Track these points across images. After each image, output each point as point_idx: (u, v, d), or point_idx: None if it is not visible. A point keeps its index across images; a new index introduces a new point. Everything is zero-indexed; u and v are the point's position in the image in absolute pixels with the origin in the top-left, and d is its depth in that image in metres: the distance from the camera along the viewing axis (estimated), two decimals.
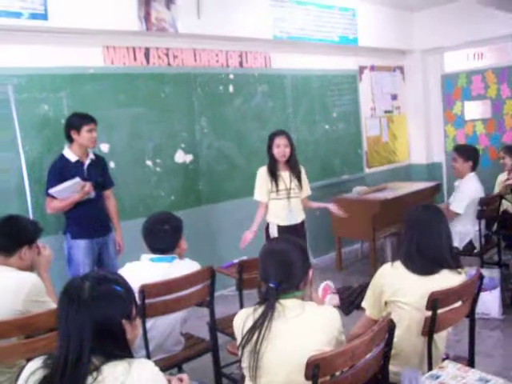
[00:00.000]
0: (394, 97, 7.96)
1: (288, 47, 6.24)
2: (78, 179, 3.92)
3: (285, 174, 4.45)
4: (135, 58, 4.95)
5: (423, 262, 2.50)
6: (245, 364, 2.00)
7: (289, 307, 2.00)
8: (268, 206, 4.49)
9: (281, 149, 4.37)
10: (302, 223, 4.57)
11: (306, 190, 4.63)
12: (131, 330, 1.64)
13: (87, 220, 4.09)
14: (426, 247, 2.52)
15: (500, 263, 4.80)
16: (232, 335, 3.21)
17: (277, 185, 4.42)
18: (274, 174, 4.43)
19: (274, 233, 4.48)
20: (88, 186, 3.98)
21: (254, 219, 4.51)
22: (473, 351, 2.74)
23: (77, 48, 4.57)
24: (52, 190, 3.92)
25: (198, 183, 5.44)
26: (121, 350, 1.56)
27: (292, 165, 4.47)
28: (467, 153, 4.89)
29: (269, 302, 2.00)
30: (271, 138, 4.45)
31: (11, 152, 4.18)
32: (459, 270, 2.56)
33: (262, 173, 4.49)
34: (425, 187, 6.74)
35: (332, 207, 4.73)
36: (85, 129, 3.99)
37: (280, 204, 4.45)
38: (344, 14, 6.70)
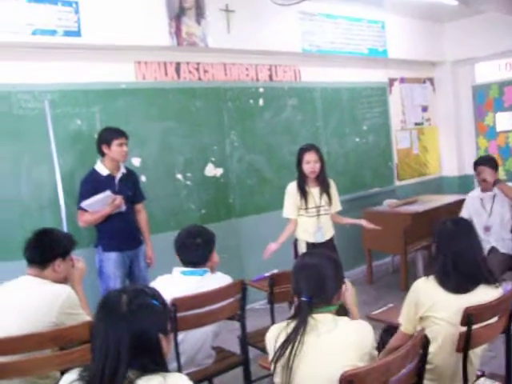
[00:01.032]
0: (425, 109, 7.90)
1: (317, 60, 6.26)
2: (108, 192, 3.98)
3: (314, 191, 4.34)
4: (166, 73, 5.02)
5: (460, 278, 2.45)
6: (277, 379, 1.99)
7: (321, 322, 1.99)
8: (297, 222, 4.41)
9: (311, 165, 4.25)
10: (331, 239, 4.47)
11: (336, 205, 4.48)
12: (166, 344, 1.64)
13: (118, 233, 4.13)
14: (462, 263, 2.47)
15: None
16: (263, 349, 3.20)
17: (306, 202, 4.31)
18: (303, 191, 4.31)
19: (302, 249, 4.38)
20: (119, 199, 4.03)
21: (282, 232, 4.44)
22: (509, 368, 2.68)
23: (109, 64, 4.65)
24: (83, 204, 3.97)
25: (228, 196, 5.47)
26: (156, 364, 1.56)
27: (322, 180, 4.35)
28: (495, 163, 4.81)
29: (301, 316, 1.99)
30: (301, 153, 4.32)
31: (46, 166, 4.26)
32: (497, 284, 2.51)
33: (291, 189, 4.37)
34: (456, 200, 6.62)
35: (364, 223, 4.58)
36: (115, 143, 4.05)
37: (309, 221, 4.34)
38: (373, 26, 6.69)
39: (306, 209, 4.33)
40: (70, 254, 2.85)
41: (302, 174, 4.33)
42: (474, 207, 4.92)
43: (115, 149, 4.05)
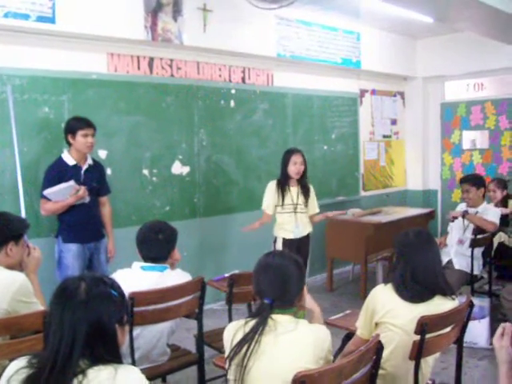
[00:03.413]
0: (394, 122, 8.01)
1: (291, 66, 6.29)
2: (72, 182, 3.92)
3: (293, 189, 4.61)
4: (139, 67, 4.98)
5: (418, 288, 2.49)
6: (231, 376, 1.99)
7: (281, 323, 1.98)
8: (274, 218, 4.66)
9: (297, 166, 4.55)
10: (308, 236, 4.72)
11: (314, 208, 4.79)
12: (121, 335, 1.62)
13: (80, 224, 4.07)
14: (421, 273, 2.50)
15: (490, 293, 4.79)
16: (218, 349, 3.19)
17: (283, 199, 4.57)
18: (282, 188, 4.58)
19: (279, 246, 4.62)
20: (82, 190, 3.97)
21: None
22: (459, 379, 2.73)
23: (81, 53, 4.59)
24: (46, 192, 3.91)
25: (193, 195, 5.44)
26: (110, 354, 1.54)
27: (303, 182, 4.65)
28: (478, 181, 4.96)
29: (261, 316, 1.99)
30: (288, 154, 4.60)
31: (7, 151, 4.15)
32: (453, 296, 2.56)
33: (271, 186, 4.65)
34: (419, 213, 6.75)
35: (329, 214, 4.98)
36: (80, 133, 3.98)
37: (286, 218, 4.60)
38: (348, 36, 6.76)
39: (283, 205, 4.58)
40: (24, 238, 2.78)
41: (285, 174, 4.59)
42: (458, 219, 5.01)
43: (80, 139, 3.99)
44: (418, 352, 2.37)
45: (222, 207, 5.69)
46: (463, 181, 5.06)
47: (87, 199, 4.06)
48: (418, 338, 2.37)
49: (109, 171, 4.71)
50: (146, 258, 2.97)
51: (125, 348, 2.66)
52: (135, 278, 2.89)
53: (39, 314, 2.41)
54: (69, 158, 4.04)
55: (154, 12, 4.81)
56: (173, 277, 2.97)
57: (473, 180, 4.99)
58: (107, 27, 4.52)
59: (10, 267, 2.65)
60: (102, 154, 4.71)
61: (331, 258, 6.26)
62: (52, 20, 4.19)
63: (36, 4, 4.09)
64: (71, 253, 4.04)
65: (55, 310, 1.55)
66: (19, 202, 4.07)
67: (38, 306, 2.58)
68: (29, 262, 2.85)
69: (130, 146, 4.94)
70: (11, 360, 2.24)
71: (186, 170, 5.36)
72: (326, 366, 1.93)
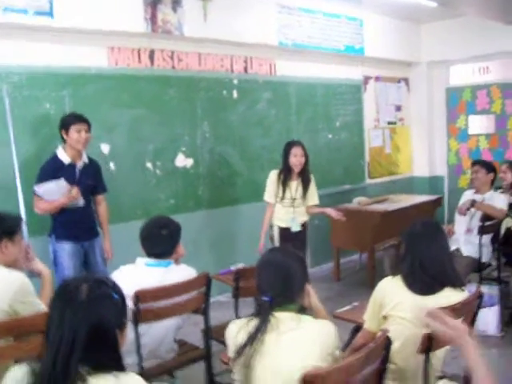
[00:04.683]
0: (398, 108, 7.93)
1: (293, 54, 6.22)
2: (62, 180, 3.83)
3: (293, 184, 4.62)
4: (139, 60, 4.92)
5: (427, 280, 2.45)
6: (236, 376, 1.96)
7: (282, 320, 1.94)
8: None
9: (297, 158, 4.55)
10: (304, 225, 4.73)
11: (313, 199, 4.75)
12: (120, 340, 1.58)
13: (73, 222, 3.98)
14: (429, 264, 2.47)
15: (499, 280, 4.74)
16: (225, 343, 3.16)
17: (284, 192, 4.60)
18: (283, 182, 4.60)
19: (275, 233, 4.69)
20: (75, 190, 3.89)
21: (263, 221, 4.70)
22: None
23: (81, 47, 4.54)
24: (36, 188, 3.84)
25: (198, 188, 5.40)
26: (111, 359, 1.50)
27: (304, 175, 4.64)
28: (488, 165, 5.00)
29: (262, 316, 1.95)
30: (288, 146, 4.63)
31: (3, 150, 4.07)
32: (462, 287, 2.52)
33: (273, 176, 4.69)
34: (426, 200, 6.70)
35: (330, 211, 4.83)
36: (73, 128, 3.90)
37: (284, 210, 4.64)
38: (351, 23, 6.68)
39: (282, 199, 4.62)
40: (18, 235, 2.74)
41: (286, 166, 4.60)
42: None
43: (72, 135, 3.91)
44: (428, 346, 2.33)
45: (227, 199, 5.66)
46: (475, 162, 5.12)
47: (81, 203, 3.98)
48: (427, 331, 2.33)
49: (112, 165, 4.69)
50: (150, 254, 2.94)
51: (131, 345, 2.64)
52: (140, 274, 2.87)
53: (43, 315, 2.37)
54: (63, 155, 3.96)
55: (153, 3, 4.75)
56: (178, 272, 2.95)
57: (484, 163, 5.07)
58: (106, 21, 4.47)
59: (8, 265, 2.62)
60: (105, 148, 4.68)
61: (337, 248, 6.21)
62: (50, 15, 4.14)
63: None
64: (65, 251, 3.98)
65: (56, 310, 1.51)
66: (17, 201, 4.01)
67: (41, 305, 2.55)
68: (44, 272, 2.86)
69: (133, 139, 4.90)
70: (16, 362, 2.23)
71: (189, 162, 5.32)
72: (334, 364, 1.90)
